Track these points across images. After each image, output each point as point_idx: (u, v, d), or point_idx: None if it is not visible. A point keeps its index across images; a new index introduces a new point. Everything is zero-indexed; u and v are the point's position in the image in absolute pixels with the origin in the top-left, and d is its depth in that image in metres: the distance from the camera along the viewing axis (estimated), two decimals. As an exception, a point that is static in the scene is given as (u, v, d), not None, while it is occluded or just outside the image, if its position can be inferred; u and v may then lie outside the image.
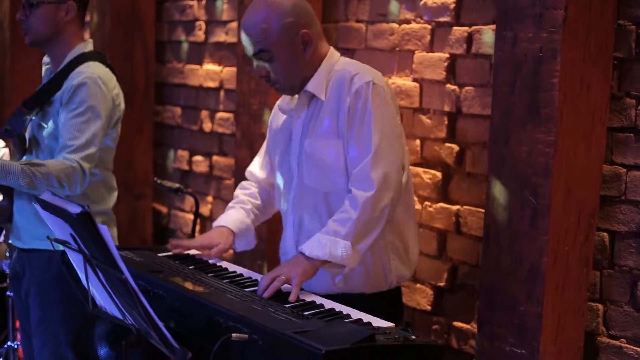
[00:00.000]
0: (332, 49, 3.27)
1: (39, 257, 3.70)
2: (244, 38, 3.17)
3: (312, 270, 3.03)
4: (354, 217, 3.01)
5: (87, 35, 6.06)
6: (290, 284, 2.95)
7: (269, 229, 4.27)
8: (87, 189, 3.66)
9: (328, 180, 3.15)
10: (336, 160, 3.13)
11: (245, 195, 3.54)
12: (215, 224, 3.47)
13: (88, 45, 3.78)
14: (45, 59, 3.90)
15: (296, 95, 3.26)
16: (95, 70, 3.64)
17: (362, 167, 3.04)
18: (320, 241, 3.03)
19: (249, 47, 3.16)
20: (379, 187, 3.02)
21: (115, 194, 3.90)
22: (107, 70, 3.72)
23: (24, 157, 3.68)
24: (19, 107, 3.69)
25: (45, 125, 3.65)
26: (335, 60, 3.23)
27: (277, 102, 3.42)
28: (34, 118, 3.68)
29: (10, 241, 3.88)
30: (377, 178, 3.02)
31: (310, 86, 3.18)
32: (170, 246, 3.39)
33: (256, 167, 3.59)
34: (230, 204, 3.54)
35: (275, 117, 3.44)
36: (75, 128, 3.54)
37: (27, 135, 3.74)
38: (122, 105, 3.78)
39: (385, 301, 3.25)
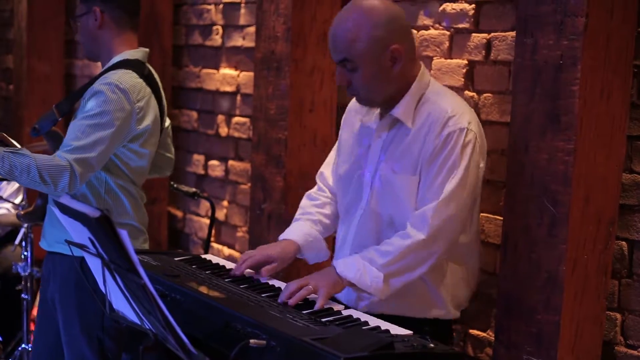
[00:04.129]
0: (423, 68, 3.14)
1: (61, 262, 3.67)
2: (330, 42, 3.04)
3: (340, 287, 3.02)
4: (397, 252, 2.98)
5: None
6: (317, 294, 2.93)
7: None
8: (108, 198, 3.63)
9: (396, 211, 3.09)
10: (408, 195, 3.06)
11: (313, 207, 3.43)
12: (281, 237, 3.36)
13: (134, 54, 3.69)
14: None
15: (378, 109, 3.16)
16: (120, 77, 3.53)
17: (425, 211, 2.98)
18: (355, 263, 3.01)
19: (333, 52, 3.04)
20: (433, 235, 2.97)
21: (138, 206, 3.78)
22: (139, 80, 3.59)
23: None
24: (52, 108, 3.66)
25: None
26: (425, 84, 3.10)
27: (355, 104, 3.28)
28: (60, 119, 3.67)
29: (40, 244, 3.84)
30: (435, 226, 2.96)
31: (397, 112, 3.06)
32: (232, 273, 3.20)
33: (328, 171, 3.47)
34: (296, 215, 3.45)
35: (350, 119, 3.32)
36: (80, 130, 3.44)
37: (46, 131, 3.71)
38: (148, 121, 3.62)
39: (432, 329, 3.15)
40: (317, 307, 2.88)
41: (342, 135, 3.38)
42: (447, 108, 3.02)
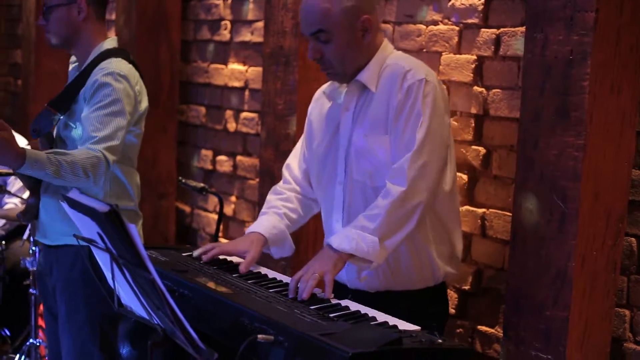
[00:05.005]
0: (386, 40, 3.24)
1: (66, 254, 3.70)
2: (303, 15, 3.13)
3: (342, 263, 3.03)
4: (384, 212, 3.00)
5: (112, 33, 6.08)
6: (324, 280, 2.94)
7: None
8: (113, 185, 3.70)
9: (377, 175, 3.13)
10: (384, 155, 3.11)
11: (279, 200, 3.46)
12: (247, 230, 3.40)
13: (112, 42, 3.79)
14: (73, 58, 3.91)
15: (344, 85, 3.22)
16: (117, 66, 3.63)
17: (401, 163, 3.03)
18: (348, 235, 3.02)
19: (307, 25, 3.12)
20: (413, 185, 3.01)
21: (139, 190, 3.90)
22: (130, 66, 3.71)
23: None
24: (46, 108, 3.70)
25: (72, 124, 3.66)
26: (388, 52, 3.20)
27: (322, 89, 3.38)
28: (62, 117, 3.69)
29: (36, 238, 3.88)
30: (413, 175, 3.01)
31: (362, 76, 3.15)
32: (195, 254, 3.29)
33: (295, 163, 3.51)
34: (262, 210, 3.47)
35: (318, 106, 3.39)
36: (97, 120, 3.52)
37: (50, 132, 3.74)
38: (145, 102, 3.77)
39: (432, 297, 3.27)
40: (327, 295, 2.91)
41: (310, 122, 3.43)
42: (402, 64, 3.12)
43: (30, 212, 3.80)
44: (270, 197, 3.51)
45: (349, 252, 3.01)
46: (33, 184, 3.73)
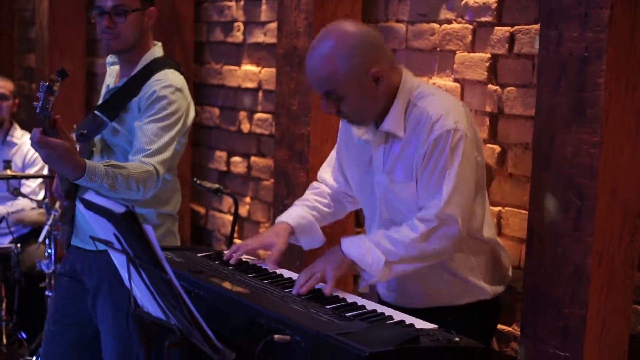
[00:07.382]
0: (404, 71, 3.13)
1: (108, 257, 3.67)
2: (309, 76, 3.06)
3: (346, 266, 3.04)
4: (403, 241, 2.99)
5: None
6: (326, 281, 2.97)
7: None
8: (162, 194, 3.71)
9: (406, 217, 3.09)
10: (411, 201, 3.08)
11: (312, 194, 3.48)
12: (276, 220, 3.41)
13: (159, 49, 3.78)
14: (109, 58, 3.87)
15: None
16: (174, 78, 3.65)
17: (428, 211, 2.99)
18: (360, 243, 3.03)
19: (315, 86, 3.07)
20: (436, 235, 2.98)
21: (180, 197, 3.91)
22: (182, 77, 3.72)
23: (92, 159, 3.65)
24: (93, 112, 3.69)
25: (120, 129, 3.65)
26: (411, 89, 3.09)
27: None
28: (111, 123, 3.67)
29: (73, 243, 3.82)
30: (438, 227, 2.98)
31: (387, 125, 3.07)
32: (226, 258, 3.29)
33: (327, 174, 3.50)
34: (295, 202, 3.49)
35: (348, 130, 3.32)
36: (152, 132, 3.55)
37: (95, 137, 3.73)
38: (193, 113, 3.77)
39: (479, 311, 3.25)
40: (326, 292, 2.92)
41: (340, 142, 3.41)
42: (431, 113, 3.02)
43: (68, 214, 3.79)
44: (306, 191, 3.53)
45: (353, 259, 3.02)
46: (69, 186, 3.70)
